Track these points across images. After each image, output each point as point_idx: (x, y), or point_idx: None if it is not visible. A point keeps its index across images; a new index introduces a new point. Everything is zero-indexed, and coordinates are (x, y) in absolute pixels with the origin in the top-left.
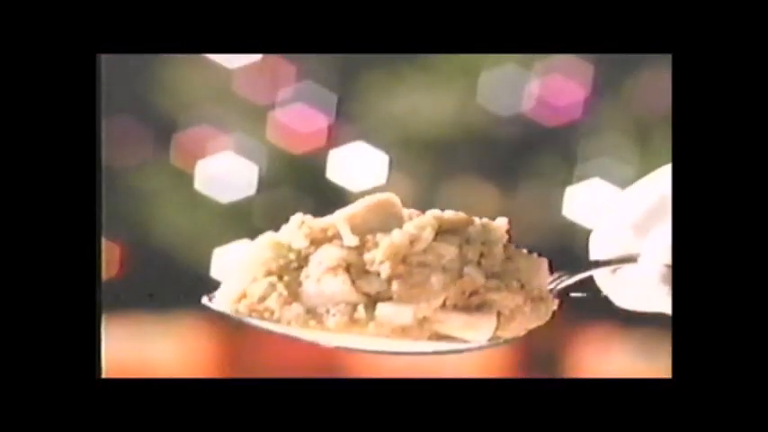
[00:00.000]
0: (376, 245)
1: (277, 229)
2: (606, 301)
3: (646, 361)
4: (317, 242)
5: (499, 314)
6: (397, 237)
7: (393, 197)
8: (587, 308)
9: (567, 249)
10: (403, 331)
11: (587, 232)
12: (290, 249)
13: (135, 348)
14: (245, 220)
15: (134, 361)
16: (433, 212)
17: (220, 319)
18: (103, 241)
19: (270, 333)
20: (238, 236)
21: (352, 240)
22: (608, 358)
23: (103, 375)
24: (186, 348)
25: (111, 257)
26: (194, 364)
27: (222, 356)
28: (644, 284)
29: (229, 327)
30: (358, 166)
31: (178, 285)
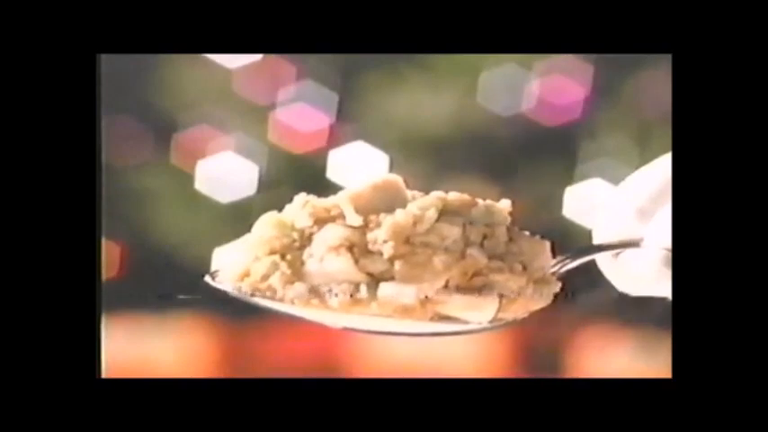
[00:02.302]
0: (379, 225)
1: None
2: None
3: (646, 361)
4: (320, 221)
5: (501, 296)
6: (401, 216)
7: (397, 178)
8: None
9: (567, 250)
10: (405, 311)
11: (587, 232)
12: (293, 228)
13: (135, 348)
14: (245, 220)
15: (134, 361)
16: (437, 193)
17: (220, 317)
18: (103, 241)
19: (273, 314)
20: (238, 236)
21: (355, 220)
22: (608, 358)
23: (103, 375)
24: (186, 348)
25: (111, 257)
26: (194, 364)
27: (222, 356)
28: (647, 268)
29: (229, 326)
30: (358, 166)
31: (178, 286)
